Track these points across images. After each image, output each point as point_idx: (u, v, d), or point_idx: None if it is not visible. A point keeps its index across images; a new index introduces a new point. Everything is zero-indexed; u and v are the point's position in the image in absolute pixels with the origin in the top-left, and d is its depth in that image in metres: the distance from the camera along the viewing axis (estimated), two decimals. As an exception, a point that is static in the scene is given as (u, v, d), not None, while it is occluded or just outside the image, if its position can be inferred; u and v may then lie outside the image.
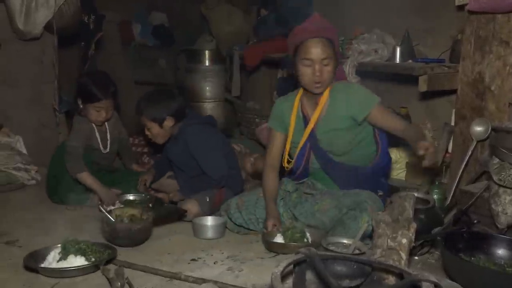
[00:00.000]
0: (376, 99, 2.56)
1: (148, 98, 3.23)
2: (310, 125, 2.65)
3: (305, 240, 2.49)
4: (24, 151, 3.82)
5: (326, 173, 2.71)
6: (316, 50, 2.47)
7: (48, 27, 3.83)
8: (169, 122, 3.11)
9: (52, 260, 2.25)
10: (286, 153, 2.75)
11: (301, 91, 2.71)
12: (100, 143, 3.41)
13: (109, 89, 3.28)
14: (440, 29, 3.21)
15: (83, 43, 4.31)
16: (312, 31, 2.50)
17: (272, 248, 2.49)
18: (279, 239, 2.52)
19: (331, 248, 2.16)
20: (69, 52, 4.41)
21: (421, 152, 2.22)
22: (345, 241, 2.27)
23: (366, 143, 2.67)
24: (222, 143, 3.28)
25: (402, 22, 3.37)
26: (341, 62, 3.14)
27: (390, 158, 2.79)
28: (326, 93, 2.61)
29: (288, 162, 2.75)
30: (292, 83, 4.16)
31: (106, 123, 3.43)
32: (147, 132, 3.18)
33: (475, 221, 2.46)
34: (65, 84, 4.31)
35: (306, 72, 2.53)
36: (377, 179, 2.71)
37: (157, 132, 3.14)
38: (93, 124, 3.36)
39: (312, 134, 2.65)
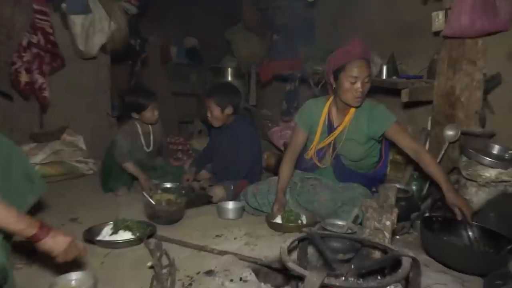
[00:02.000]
0: (393, 119, 2.44)
1: (220, 86, 3.25)
2: (335, 133, 2.57)
3: (299, 221, 2.47)
4: (84, 147, 3.84)
5: (333, 171, 2.66)
6: (361, 70, 2.37)
7: (103, 48, 3.86)
8: (228, 110, 3.10)
9: (105, 234, 2.27)
10: (313, 149, 2.65)
11: (330, 99, 2.62)
12: (143, 142, 3.35)
13: (150, 94, 3.25)
14: (420, 51, 3.17)
15: (130, 61, 4.34)
16: (358, 53, 2.38)
17: (272, 226, 2.48)
18: (278, 220, 2.51)
19: (328, 228, 2.15)
20: (119, 69, 4.44)
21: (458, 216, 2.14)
22: (339, 222, 2.24)
23: (373, 154, 2.63)
24: (258, 144, 3.27)
25: (388, 45, 3.33)
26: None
27: (387, 167, 2.75)
28: (353, 108, 2.52)
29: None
30: (296, 94, 4.16)
31: (150, 127, 3.36)
32: (208, 114, 3.14)
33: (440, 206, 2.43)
34: (116, 94, 4.35)
35: (350, 88, 2.40)
36: (374, 181, 2.66)
37: (217, 115, 3.11)
38: (139, 127, 3.31)
39: (333, 140, 2.60)
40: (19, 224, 1.43)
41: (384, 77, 3.15)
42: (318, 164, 2.66)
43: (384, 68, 3.16)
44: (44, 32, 3.49)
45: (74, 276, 1.75)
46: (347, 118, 2.55)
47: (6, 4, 3.22)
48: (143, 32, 4.36)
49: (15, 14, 3.27)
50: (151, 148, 3.41)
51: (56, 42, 3.63)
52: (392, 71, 3.15)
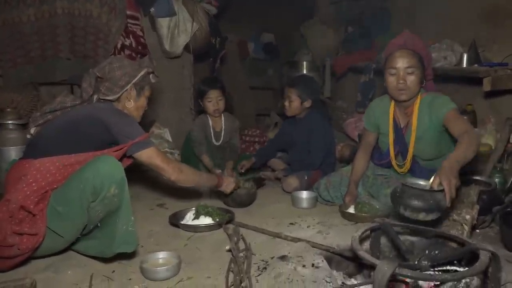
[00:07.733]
0: (451, 106, 2.15)
1: (304, 79, 3.24)
2: (404, 135, 2.37)
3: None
4: (169, 139, 3.97)
5: (409, 172, 2.47)
6: (400, 60, 2.20)
7: (186, 48, 3.97)
8: (307, 104, 3.11)
9: (188, 219, 2.39)
10: (393, 158, 2.46)
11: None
12: (212, 135, 3.34)
13: (214, 83, 3.22)
14: (505, 36, 2.92)
15: (211, 58, 4.41)
16: (398, 44, 2.31)
17: (345, 216, 2.45)
18: (351, 210, 2.48)
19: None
20: (201, 66, 4.53)
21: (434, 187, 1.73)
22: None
23: (449, 152, 2.44)
24: (332, 136, 3.25)
25: (470, 32, 3.11)
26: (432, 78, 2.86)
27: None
28: (416, 105, 2.28)
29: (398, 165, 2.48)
30: (371, 85, 4.03)
31: (222, 122, 3.34)
32: (286, 103, 3.13)
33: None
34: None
35: (391, 80, 2.24)
36: None
37: (295, 106, 3.11)
38: (209, 120, 3.32)
39: (402, 140, 2.40)
40: (212, 181, 2.45)
41: (464, 66, 2.94)
42: (397, 169, 2.48)
43: (465, 56, 2.96)
44: (135, 35, 3.70)
45: (161, 255, 1.88)
46: (411, 117, 2.31)
47: (103, 11, 3.47)
48: (222, 30, 4.44)
49: (111, 20, 3.52)
50: (220, 142, 3.37)
51: (146, 43, 3.80)
52: (474, 59, 2.94)
